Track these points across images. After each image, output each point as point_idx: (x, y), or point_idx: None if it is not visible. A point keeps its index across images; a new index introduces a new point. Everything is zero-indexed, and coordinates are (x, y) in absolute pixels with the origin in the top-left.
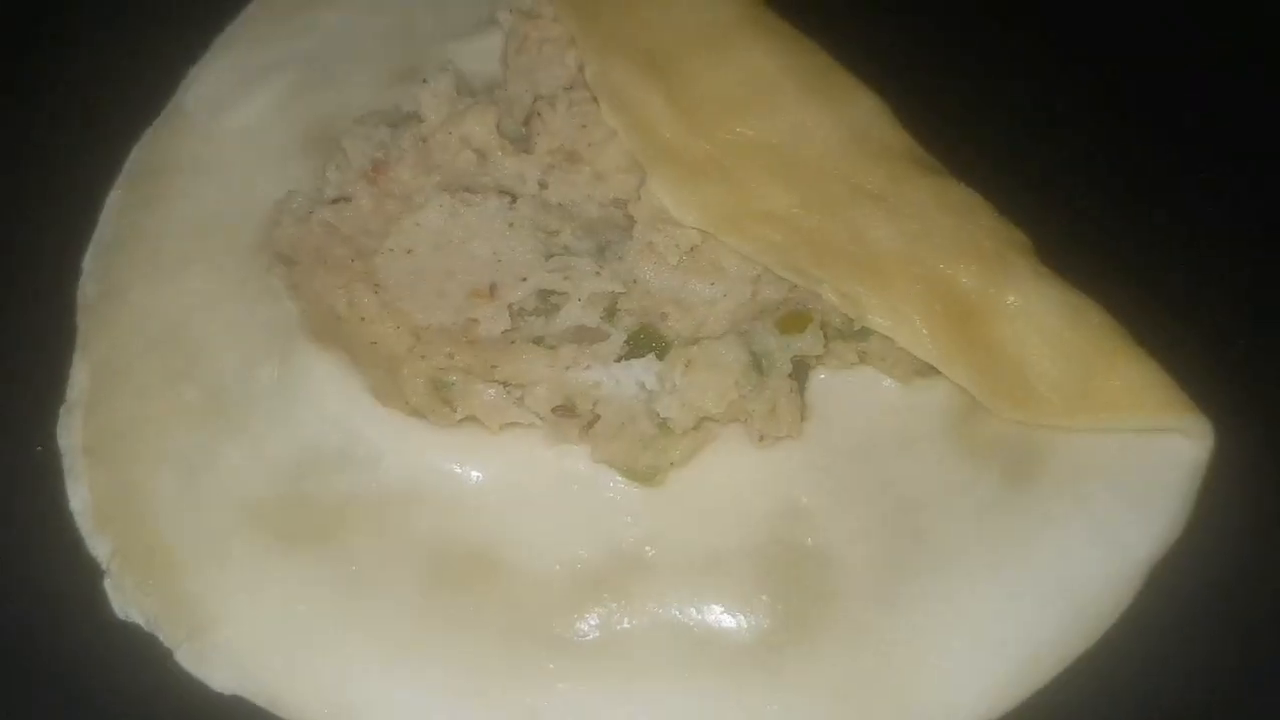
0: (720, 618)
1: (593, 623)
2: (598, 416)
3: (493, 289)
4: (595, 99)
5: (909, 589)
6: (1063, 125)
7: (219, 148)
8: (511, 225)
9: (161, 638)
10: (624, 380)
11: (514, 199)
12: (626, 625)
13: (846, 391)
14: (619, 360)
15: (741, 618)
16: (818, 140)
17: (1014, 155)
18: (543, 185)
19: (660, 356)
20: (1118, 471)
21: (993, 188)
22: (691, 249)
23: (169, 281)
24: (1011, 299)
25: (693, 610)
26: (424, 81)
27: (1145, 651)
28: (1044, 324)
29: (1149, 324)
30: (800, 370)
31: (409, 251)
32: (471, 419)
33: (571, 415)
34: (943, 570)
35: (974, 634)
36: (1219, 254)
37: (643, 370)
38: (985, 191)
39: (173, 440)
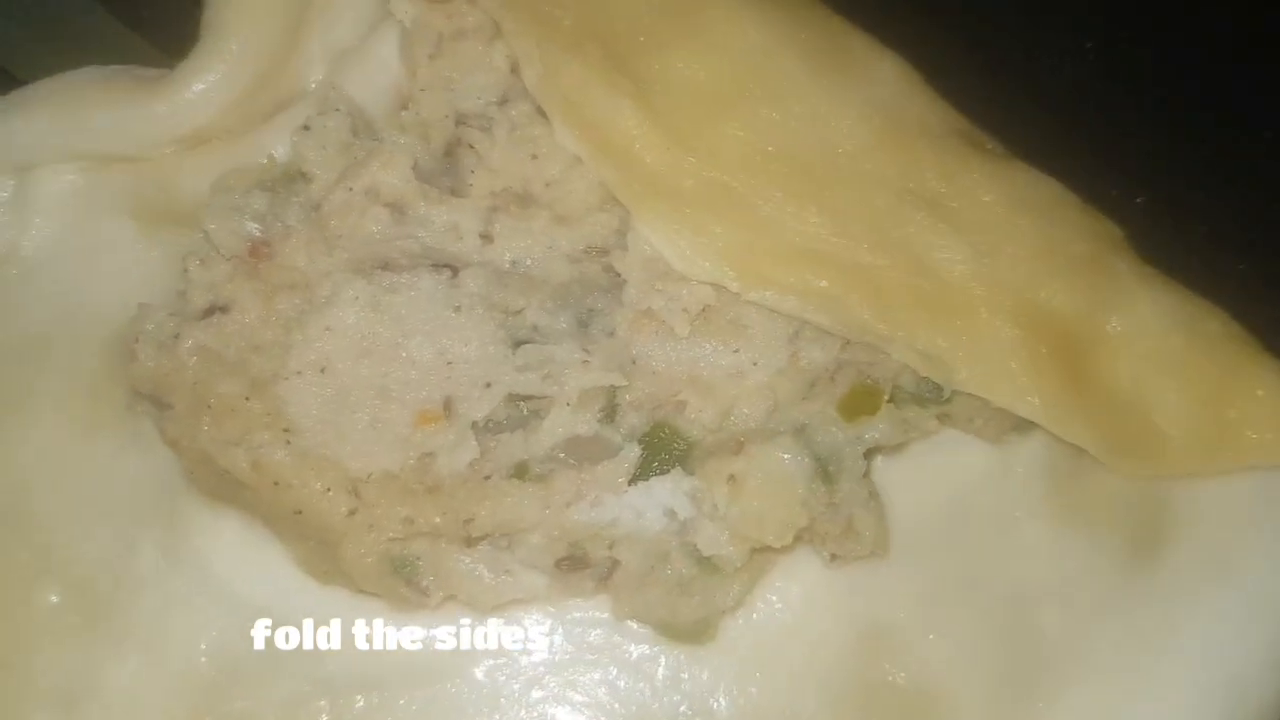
0: None
1: None
2: (617, 562)
3: (447, 406)
4: (543, 113)
5: (1037, 715)
6: (1137, 78)
7: (29, 243)
8: (457, 309)
9: None
10: (647, 510)
11: (454, 271)
12: None
13: (922, 466)
14: (634, 482)
15: None
16: (842, 132)
17: (1085, 118)
18: (486, 239)
19: (687, 467)
20: (1259, 519)
21: (1065, 167)
22: (704, 309)
23: None
24: (1117, 320)
25: None
26: (304, 128)
27: None
28: (1162, 346)
29: (1274, 322)
30: (869, 457)
31: (323, 370)
32: (451, 599)
33: (582, 565)
34: (1074, 683)
35: None
36: None
37: (670, 493)
38: (1057, 173)
39: (38, 665)
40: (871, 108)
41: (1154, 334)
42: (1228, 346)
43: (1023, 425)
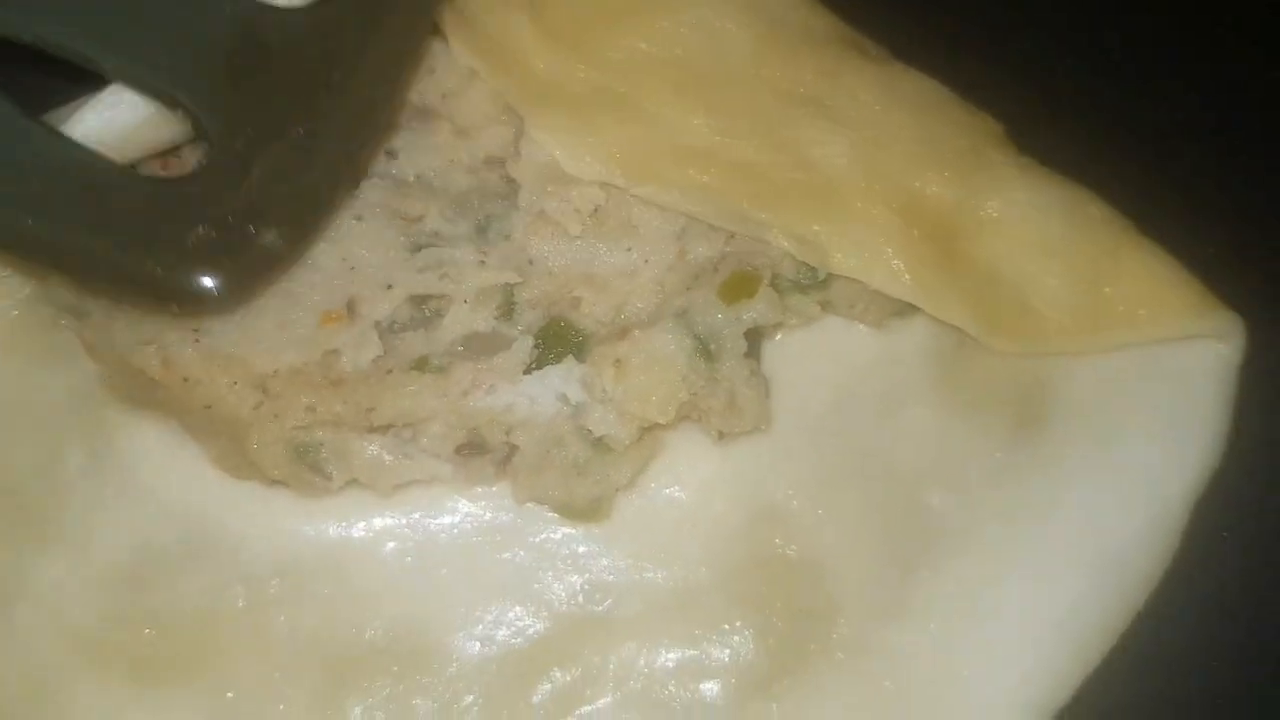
0: (701, 670)
1: (547, 710)
2: (515, 447)
3: (350, 307)
4: (440, 31)
5: (920, 589)
6: None
7: None
8: (359, 218)
9: None
10: (540, 396)
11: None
12: (589, 708)
13: (810, 352)
14: (529, 371)
15: (726, 665)
16: (728, 38)
17: (965, 21)
18: (391, 155)
19: (580, 357)
20: (1138, 396)
21: (945, 67)
22: (595, 210)
23: None
24: (996, 205)
25: (668, 669)
26: None
27: (1200, 602)
28: (1039, 228)
29: (1150, 208)
30: (754, 340)
31: None
32: (355, 483)
33: (482, 452)
34: (955, 559)
35: (1005, 630)
36: (1229, 119)
37: (562, 379)
38: (938, 73)
39: None
40: (757, 16)
41: (1031, 218)
42: (1105, 229)
43: (904, 310)
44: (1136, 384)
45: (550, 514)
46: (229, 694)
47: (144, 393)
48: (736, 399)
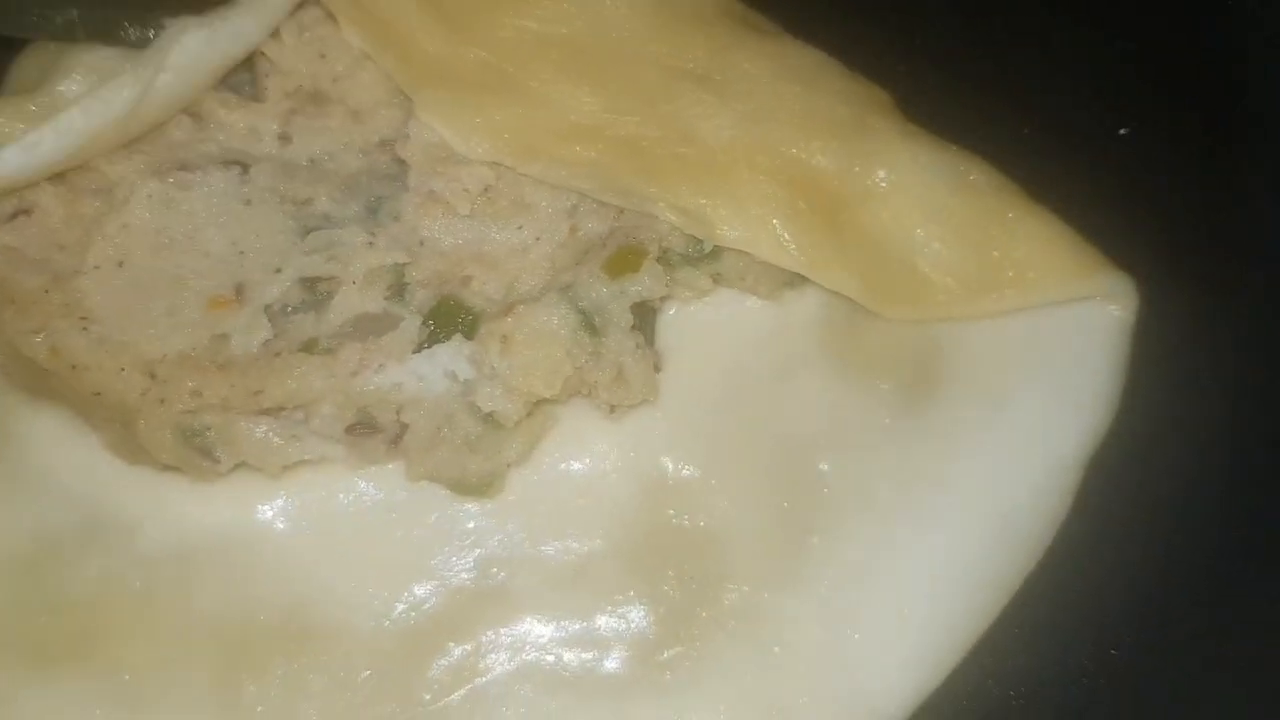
0: (595, 641)
1: (442, 683)
2: (405, 426)
3: (239, 291)
4: (331, 15)
5: (810, 555)
6: None
7: None
8: (249, 203)
9: None
10: (429, 375)
11: (245, 168)
12: (484, 679)
13: (703, 324)
14: (418, 350)
15: (620, 635)
16: (616, 18)
17: None
18: (285, 140)
19: (469, 335)
20: (1031, 359)
21: (836, 40)
22: (486, 190)
23: None
24: (882, 174)
25: (562, 639)
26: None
27: (1090, 561)
28: (925, 196)
29: (1040, 175)
30: (645, 315)
31: (120, 264)
32: (245, 465)
33: (373, 432)
34: (847, 524)
35: (897, 592)
36: (1117, 82)
37: (450, 357)
38: (828, 47)
39: None
40: None
41: (917, 185)
42: (993, 194)
43: (796, 281)
44: (1028, 346)
45: (444, 491)
46: (125, 676)
47: (37, 380)
48: (624, 372)
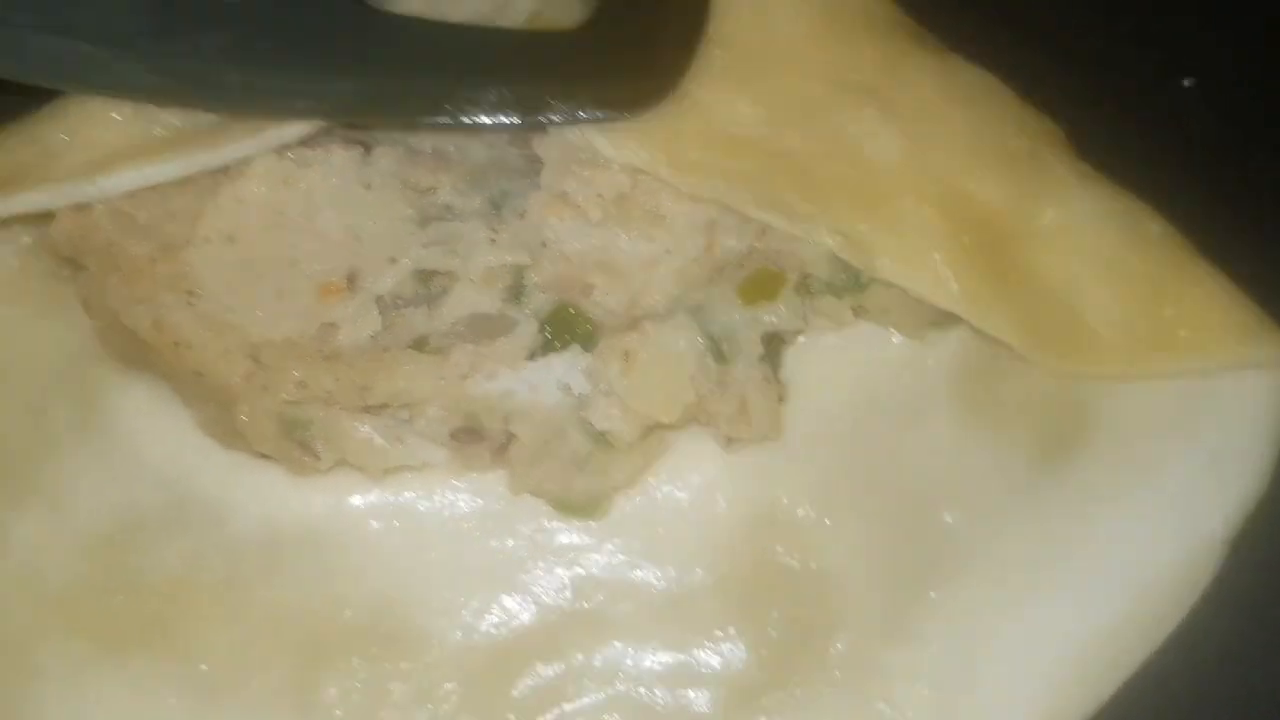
0: (689, 676)
1: (528, 705)
2: (512, 436)
3: (351, 279)
4: None
5: (926, 610)
6: None
7: None
8: (369, 186)
9: None
10: (542, 385)
11: (367, 149)
12: (572, 706)
13: (832, 355)
14: (533, 358)
15: (716, 672)
16: (783, 21)
17: (1029, 16)
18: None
19: (587, 347)
20: (1182, 424)
21: (1008, 64)
22: (620, 196)
23: None
24: (1052, 214)
25: (655, 672)
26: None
27: (1226, 641)
28: (1098, 244)
29: (1207, 229)
30: (773, 345)
31: (231, 239)
32: (344, 463)
33: (478, 438)
34: (969, 581)
35: (1014, 659)
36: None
37: (566, 369)
38: (999, 70)
39: None
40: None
41: (1088, 231)
42: (1166, 247)
43: (942, 320)
44: (1180, 410)
45: (543, 506)
46: (202, 666)
47: (136, 353)
48: (748, 405)
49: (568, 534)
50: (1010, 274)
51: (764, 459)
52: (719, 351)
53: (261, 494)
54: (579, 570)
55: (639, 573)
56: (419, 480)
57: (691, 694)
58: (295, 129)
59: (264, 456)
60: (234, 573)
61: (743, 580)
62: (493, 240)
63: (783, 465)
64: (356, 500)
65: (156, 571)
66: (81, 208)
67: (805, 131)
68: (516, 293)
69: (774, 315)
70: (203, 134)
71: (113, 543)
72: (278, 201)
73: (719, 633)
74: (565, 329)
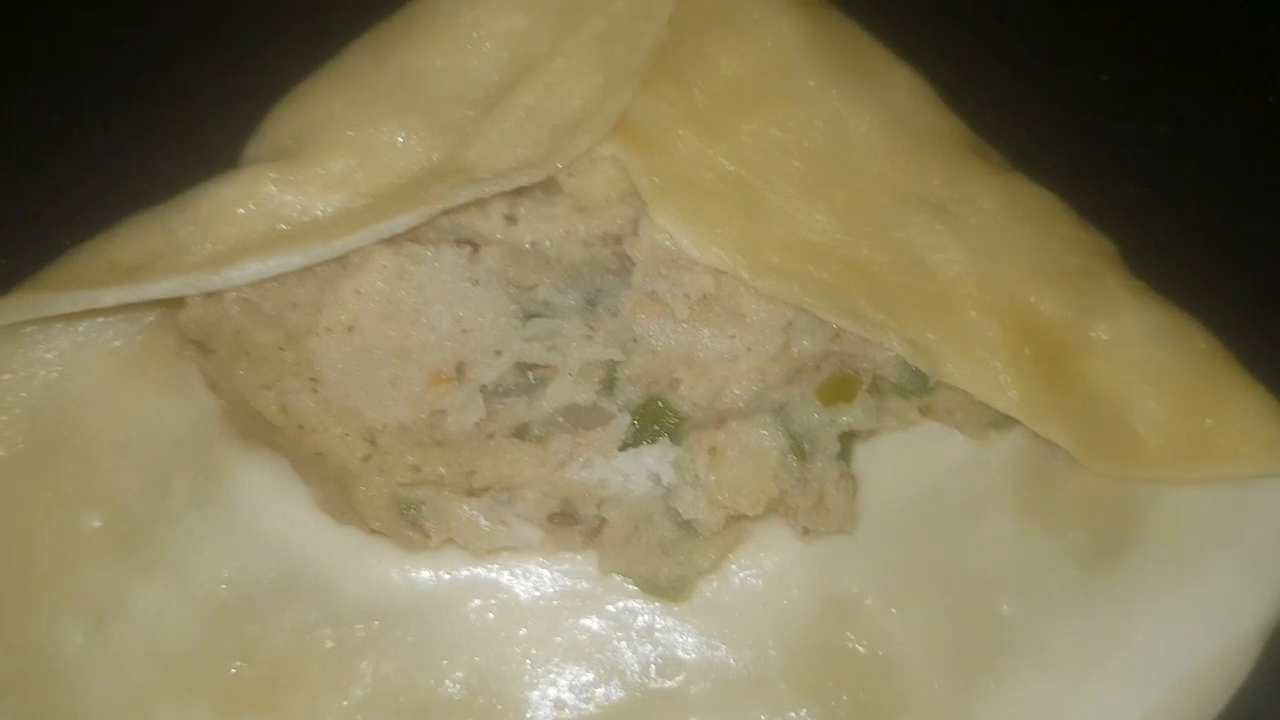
0: None
1: None
2: (604, 520)
3: (460, 369)
4: None
5: (984, 697)
6: (1140, 103)
7: None
8: (476, 282)
9: None
10: (633, 474)
11: (475, 248)
12: None
13: (898, 451)
14: (624, 449)
15: None
16: (858, 135)
17: (1090, 139)
18: (511, 220)
19: (674, 438)
20: (1227, 527)
21: (1064, 182)
22: (704, 296)
23: (44, 366)
24: (1104, 327)
25: None
26: None
27: None
28: (1148, 355)
29: (1250, 345)
30: (846, 441)
31: (350, 329)
32: (450, 542)
33: (572, 522)
34: (1023, 671)
35: None
36: None
37: (656, 460)
38: (1056, 187)
39: (74, 583)
40: (887, 114)
41: (1138, 344)
42: (1212, 361)
43: (1002, 423)
44: (1226, 515)
45: (630, 586)
46: None
47: (260, 431)
48: (825, 500)
49: (651, 614)
50: (1066, 383)
51: (834, 548)
52: (800, 449)
53: (369, 568)
54: (662, 649)
55: (717, 654)
56: (515, 559)
57: None
58: (404, 219)
59: (375, 532)
60: (342, 643)
61: (814, 664)
62: (589, 336)
63: (852, 555)
64: (456, 575)
65: (270, 640)
66: (211, 295)
67: (876, 241)
68: (610, 385)
69: (850, 416)
70: (320, 227)
71: (230, 611)
72: (393, 295)
73: (792, 714)
74: (654, 420)
